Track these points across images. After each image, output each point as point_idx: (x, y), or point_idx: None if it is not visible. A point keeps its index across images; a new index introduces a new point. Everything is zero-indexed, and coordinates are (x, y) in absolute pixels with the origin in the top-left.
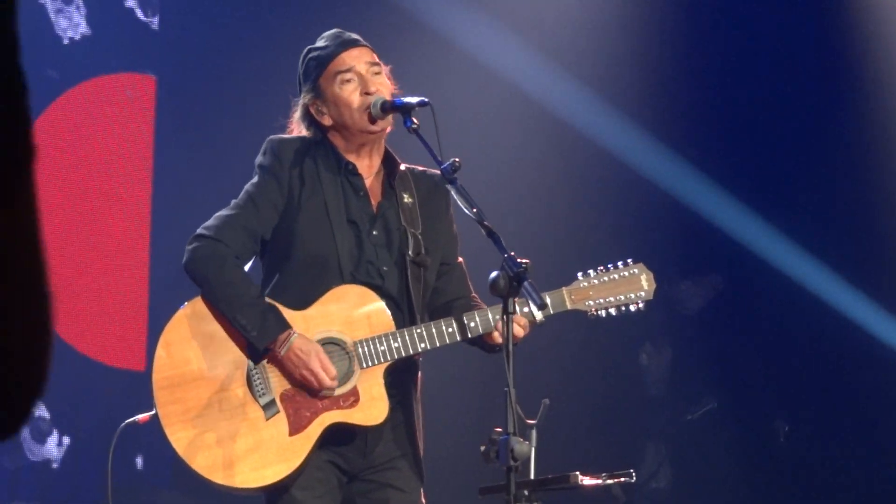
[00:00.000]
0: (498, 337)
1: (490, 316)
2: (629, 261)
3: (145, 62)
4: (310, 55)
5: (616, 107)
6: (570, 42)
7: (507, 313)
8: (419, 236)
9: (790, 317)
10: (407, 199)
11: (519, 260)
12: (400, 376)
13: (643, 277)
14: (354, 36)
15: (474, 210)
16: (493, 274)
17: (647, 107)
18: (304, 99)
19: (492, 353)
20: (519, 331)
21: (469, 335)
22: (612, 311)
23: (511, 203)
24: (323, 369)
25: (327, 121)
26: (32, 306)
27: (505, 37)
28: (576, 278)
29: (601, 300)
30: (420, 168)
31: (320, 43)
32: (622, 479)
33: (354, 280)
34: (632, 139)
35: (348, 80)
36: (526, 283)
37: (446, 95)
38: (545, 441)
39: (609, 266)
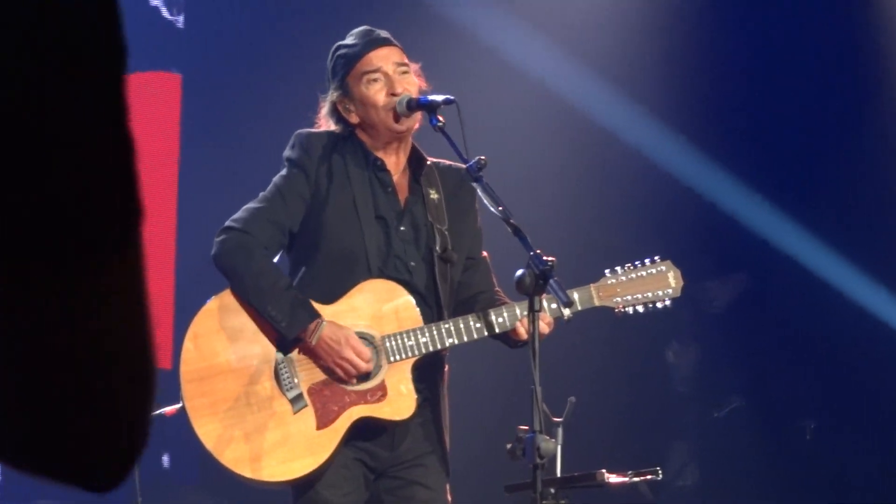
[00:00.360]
0: (523, 332)
1: (517, 311)
2: (657, 258)
3: (171, 60)
4: (338, 52)
5: (642, 104)
6: (595, 40)
7: (533, 311)
8: (446, 232)
9: (816, 314)
10: (433, 194)
11: (545, 258)
12: (427, 372)
13: (670, 275)
14: (384, 34)
15: (500, 208)
16: (519, 272)
17: (672, 104)
18: (331, 96)
19: (515, 347)
20: (544, 328)
21: (496, 331)
22: (640, 308)
23: (537, 201)
24: (356, 354)
25: (354, 119)
26: (139, 354)
27: (532, 35)
28: (603, 275)
29: (629, 297)
30: (445, 162)
31: (349, 40)
32: (649, 477)
33: (382, 275)
34: (658, 137)
35: (375, 80)
36: (552, 281)
37: (473, 93)
38: (571, 439)
39: (637, 263)
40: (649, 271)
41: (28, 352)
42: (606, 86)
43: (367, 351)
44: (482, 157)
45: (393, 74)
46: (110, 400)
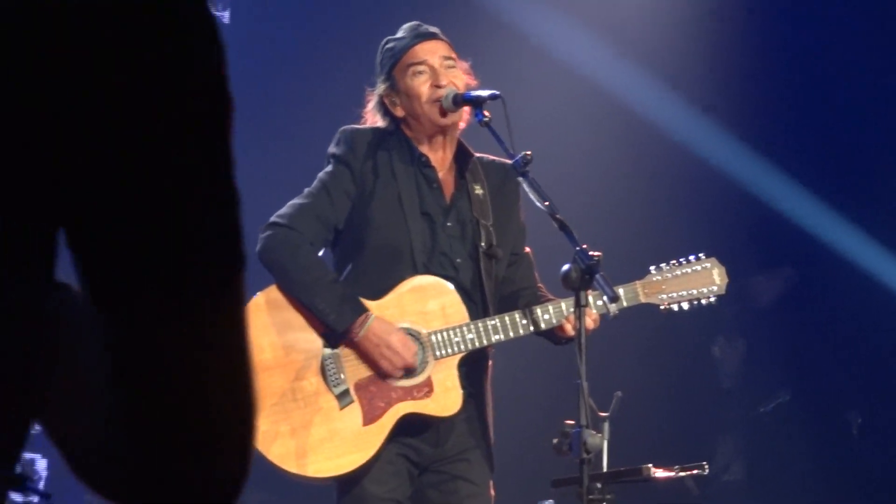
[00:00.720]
0: (569, 329)
1: (563, 307)
2: (701, 255)
3: None
4: (386, 46)
5: (689, 100)
6: (641, 33)
7: (579, 306)
8: (490, 228)
9: (862, 308)
10: (478, 190)
11: (591, 253)
12: (472, 367)
13: (715, 272)
14: (432, 29)
15: (546, 203)
16: (566, 266)
17: (719, 100)
18: (378, 89)
19: (560, 344)
20: (590, 323)
21: (542, 327)
22: (685, 304)
23: (582, 196)
24: (403, 348)
25: (400, 112)
26: (242, 390)
27: (579, 30)
28: (648, 272)
29: (674, 294)
30: (489, 157)
31: (398, 35)
32: (695, 472)
33: (427, 271)
34: (704, 133)
35: (420, 72)
36: (598, 276)
37: (518, 89)
38: (618, 434)
39: (682, 260)
40: (694, 268)
41: (135, 390)
42: (652, 80)
43: (413, 346)
44: (528, 152)
45: (439, 67)
46: (214, 434)
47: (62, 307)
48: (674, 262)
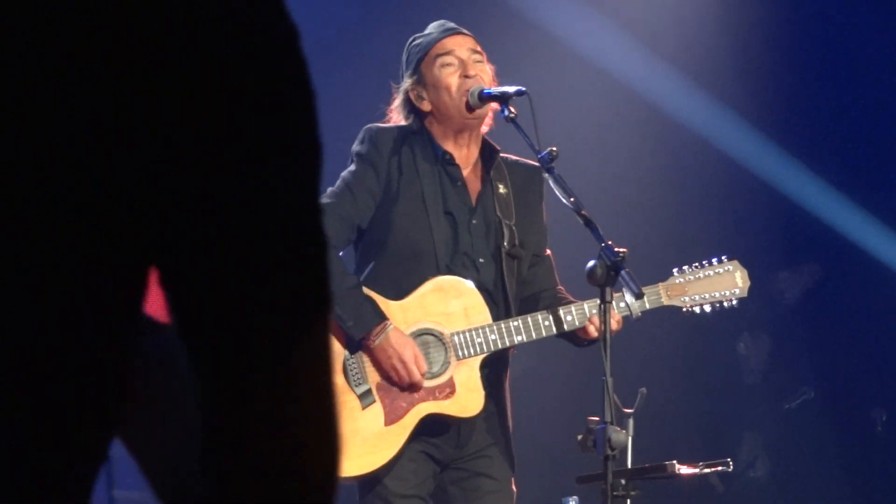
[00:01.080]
0: (592, 331)
1: (585, 309)
2: (724, 258)
3: None
4: (414, 42)
5: (713, 97)
6: (666, 31)
7: (604, 302)
8: (513, 228)
9: (888, 305)
10: (502, 189)
11: (616, 249)
12: (492, 366)
13: (738, 275)
14: (459, 26)
15: (571, 199)
16: (591, 263)
17: (744, 96)
18: (404, 84)
19: (582, 346)
20: (613, 325)
21: (565, 328)
22: (707, 307)
23: (607, 193)
24: (415, 363)
25: (426, 106)
26: (328, 431)
27: (605, 28)
28: (671, 274)
29: (696, 296)
30: (513, 157)
31: (425, 31)
32: (719, 469)
33: (450, 271)
34: (729, 129)
35: (449, 64)
36: (623, 272)
37: (544, 85)
38: (642, 430)
39: (704, 262)
40: (717, 271)
41: (224, 430)
42: (676, 76)
43: (424, 365)
44: (553, 149)
45: (467, 60)
46: (301, 476)
47: (153, 345)
48: (696, 264)
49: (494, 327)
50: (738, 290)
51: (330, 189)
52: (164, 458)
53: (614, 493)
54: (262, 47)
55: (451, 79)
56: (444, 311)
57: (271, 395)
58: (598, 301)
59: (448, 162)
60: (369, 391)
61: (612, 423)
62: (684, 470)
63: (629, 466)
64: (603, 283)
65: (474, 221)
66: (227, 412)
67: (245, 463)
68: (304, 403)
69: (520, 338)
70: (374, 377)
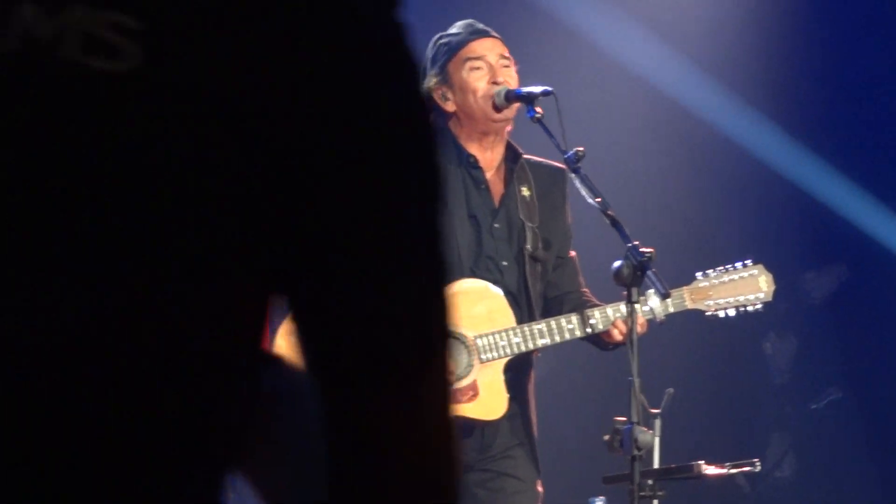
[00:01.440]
0: (616, 335)
1: (609, 313)
2: (748, 261)
3: None
4: (440, 41)
5: (739, 96)
6: (691, 29)
7: (631, 302)
8: (537, 230)
9: None
10: (525, 191)
11: (643, 249)
12: (516, 369)
13: (762, 279)
14: (488, 28)
15: (598, 199)
16: (617, 263)
17: (770, 97)
18: (428, 82)
19: (606, 349)
20: (637, 328)
21: (589, 332)
22: (731, 311)
23: (634, 195)
24: None
25: (451, 107)
26: (450, 462)
27: (630, 27)
28: (695, 278)
29: (720, 300)
30: (536, 159)
31: (452, 30)
32: (747, 469)
33: (474, 275)
34: (755, 130)
35: (477, 68)
36: (650, 272)
37: (570, 85)
38: (669, 430)
39: (728, 266)
40: (741, 275)
41: (349, 462)
42: (703, 77)
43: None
44: (580, 149)
45: (496, 65)
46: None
47: (274, 378)
48: (721, 268)
49: (518, 330)
50: (762, 295)
51: None
52: (286, 491)
53: (641, 494)
54: (394, 62)
55: (480, 83)
56: (468, 314)
57: (398, 422)
58: (623, 305)
59: (472, 164)
60: None
61: (638, 424)
62: (711, 470)
63: (656, 467)
64: (629, 283)
65: (496, 225)
66: (363, 437)
67: (367, 492)
68: (438, 422)
69: (543, 341)
70: None
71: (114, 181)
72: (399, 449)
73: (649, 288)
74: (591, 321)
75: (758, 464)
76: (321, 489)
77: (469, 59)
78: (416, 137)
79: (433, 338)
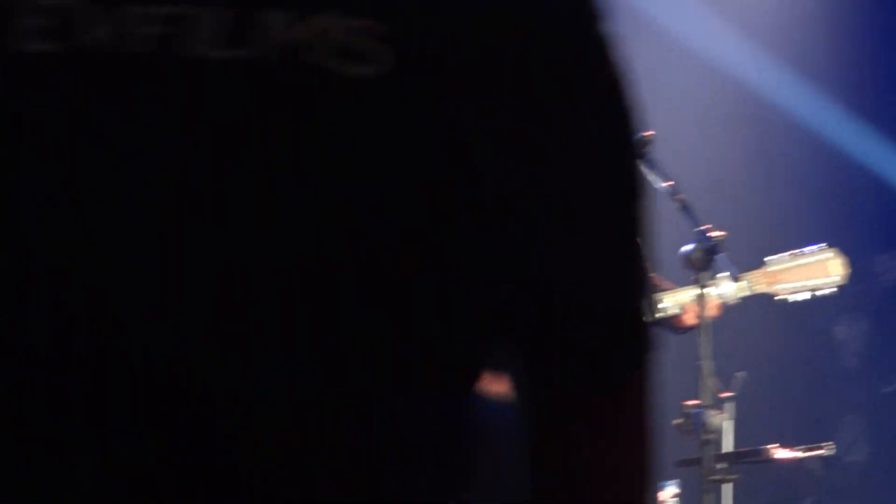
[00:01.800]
0: (688, 319)
1: (680, 298)
2: (821, 245)
3: None
4: None
5: (811, 80)
6: (765, 19)
7: (701, 286)
8: None
9: None
10: None
11: (713, 233)
12: None
13: (835, 262)
14: None
15: (668, 183)
16: (688, 247)
17: (841, 81)
18: None
19: (676, 334)
20: (714, 311)
21: (660, 315)
22: (802, 295)
23: (704, 180)
24: None
25: None
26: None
27: (705, 14)
28: (765, 262)
29: (790, 284)
30: None
31: None
32: (820, 452)
33: None
34: (827, 114)
35: None
36: (720, 256)
37: (642, 70)
38: (742, 414)
39: (801, 250)
40: (813, 259)
41: (554, 483)
42: (774, 62)
43: None
44: (648, 132)
45: None
46: None
47: (484, 414)
48: (791, 252)
49: None
50: (837, 278)
51: None
52: None
53: (712, 478)
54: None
55: None
56: None
57: (604, 440)
58: (693, 289)
59: None
60: None
61: (709, 407)
62: (784, 454)
63: (729, 450)
64: (700, 267)
65: None
66: (556, 459)
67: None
68: (633, 449)
69: None
70: None
71: (363, 184)
72: (592, 472)
73: (720, 272)
74: (662, 305)
75: (832, 447)
76: None
77: None
78: (633, 174)
79: (646, 332)
